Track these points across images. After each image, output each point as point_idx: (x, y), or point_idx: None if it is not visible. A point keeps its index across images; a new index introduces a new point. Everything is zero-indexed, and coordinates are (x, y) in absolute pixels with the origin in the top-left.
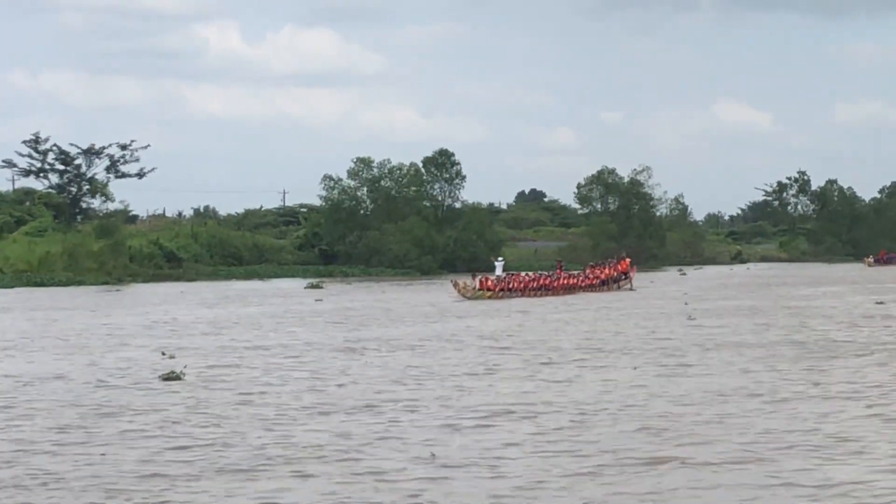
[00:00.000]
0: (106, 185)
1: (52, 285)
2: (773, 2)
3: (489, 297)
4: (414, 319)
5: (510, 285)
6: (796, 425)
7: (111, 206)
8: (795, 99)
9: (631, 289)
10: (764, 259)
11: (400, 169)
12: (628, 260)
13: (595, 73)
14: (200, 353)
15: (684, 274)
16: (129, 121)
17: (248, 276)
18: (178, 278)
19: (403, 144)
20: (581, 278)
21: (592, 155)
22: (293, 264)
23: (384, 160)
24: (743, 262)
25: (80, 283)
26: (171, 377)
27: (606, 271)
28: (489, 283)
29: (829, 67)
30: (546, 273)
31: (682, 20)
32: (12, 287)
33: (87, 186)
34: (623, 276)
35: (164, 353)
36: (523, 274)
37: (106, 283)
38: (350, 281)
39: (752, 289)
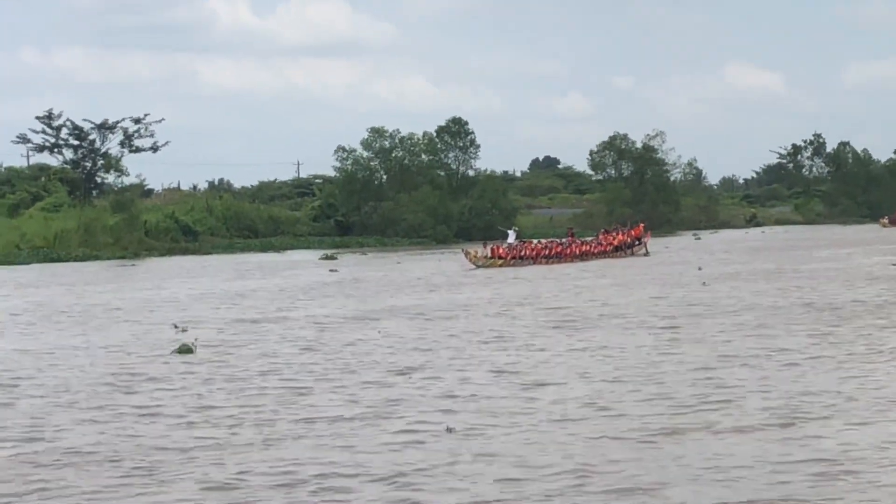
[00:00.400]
0: (120, 159)
1: (68, 261)
2: None
3: (501, 265)
4: (426, 289)
5: (522, 253)
6: (816, 388)
7: (126, 181)
8: (807, 60)
9: (646, 254)
10: (779, 222)
11: (411, 138)
12: (642, 225)
13: (606, 38)
14: (214, 326)
15: (699, 238)
16: (141, 96)
17: (263, 249)
18: (194, 252)
19: (415, 114)
20: (594, 245)
21: (605, 121)
22: (309, 236)
23: (395, 130)
24: (758, 225)
25: (96, 259)
26: (184, 350)
27: (619, 237)
28: (501, 251)
29: (839, 27)
30: (558, 240)
31: None
32: (29, 263)
33: (102, 161)
34: (637, 242)
35: (176, 327)
36: (535, 241)
37: (122, 257)
38: (365, 252)
39: (767, 252)
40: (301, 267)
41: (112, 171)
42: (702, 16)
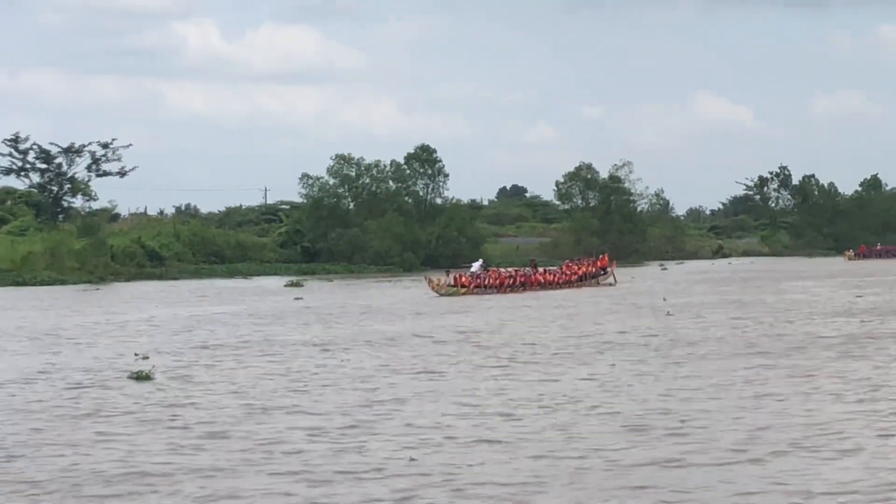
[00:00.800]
0: (87, 182)
1: (34, 284)
2: None
3: (464, 294)
4: (388, 317)
5: (485, 282)
6: (782, 422)
7: (94, 205)
8: (774, 92)
9: (612, 283)
10: (746, 253)
11: (377, 165)
12: (607, 256)
13: (574, 68)
14: (174, 352)
15: (665, 269)
16: (109, 120)
17: (230, 274)
18: (160, 277)
19: (384, 141)
20: (558, 275)
21: (573, 150)
22: (276, 262)
23: (360, 158)
24: (725, 256)
25: (62, 283)
26: (142, 377)
27: (584, 267)
28: (464, 279)
29: (806, 60)
30: (522, 270)
31: (660, 14)
32: None
33: (69, 185)
34: (602, 272)
35: (137, 354)
36: (499, 270)
37: (88, 281)
38: (331, 278)
39: (732, 283)
40: (266, 293)
41: (80, 195)
42: (670, 47)
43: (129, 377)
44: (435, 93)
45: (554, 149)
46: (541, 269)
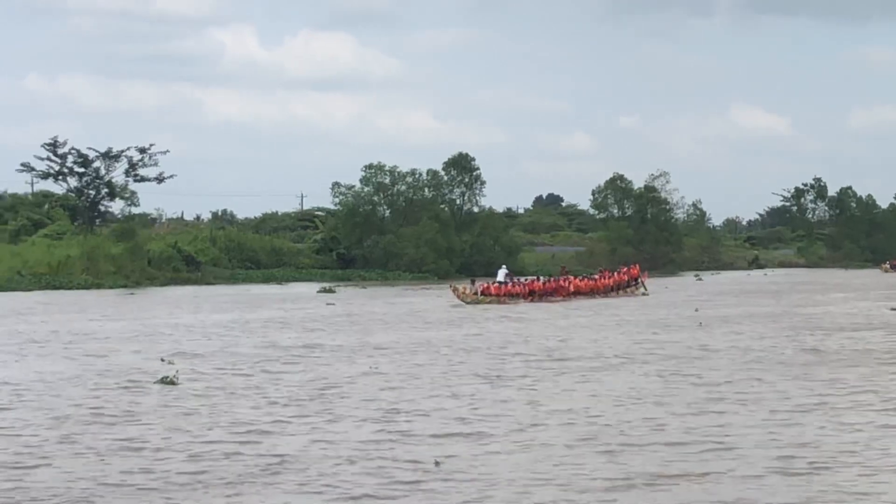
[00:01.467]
0: (126, 187)
1: (70, 288)
2: (788, 6)
3: (489, 303)
4: (418, 325)
5: (513, 290)
6: (819, 436)
7: (136, 210)
8: (811, 104)
9: (644, 293)
10: (782, 264)
11: (413, 174)
12: (637, 266)
13: (610, 77)
14: (201, 357)
15: (700, 279)
16: (146, 125)
17: (265, 280)
18: (196, 282)
19: (419, 149)
20: (587, 283)
21: (609, 160)
22: (311, 268)
23: (392, 166)
24: (760, 267)
25: (99, 287)
26: (167, 382)
27: (616, 277)
28: (492, 288)
29: (844, 72)
30: (551, 278)
31: (696, 24)
32: (31, 290)
33: (106, 190)
34: (634, 282)
35: (163, 359)
36: (525, 279)
37: (124, 286)
38: (365, 285)
39: (767, 295)
40: (299, 299)
41: (125, 200)
42: (707, 57)
43: (156, 382)
44: (470, 101)
45: (590, 158)
46: (570, 279)
